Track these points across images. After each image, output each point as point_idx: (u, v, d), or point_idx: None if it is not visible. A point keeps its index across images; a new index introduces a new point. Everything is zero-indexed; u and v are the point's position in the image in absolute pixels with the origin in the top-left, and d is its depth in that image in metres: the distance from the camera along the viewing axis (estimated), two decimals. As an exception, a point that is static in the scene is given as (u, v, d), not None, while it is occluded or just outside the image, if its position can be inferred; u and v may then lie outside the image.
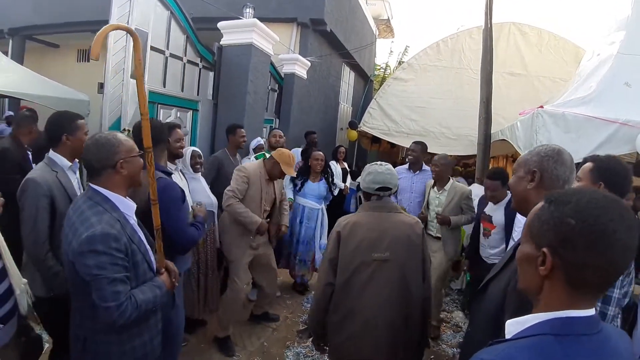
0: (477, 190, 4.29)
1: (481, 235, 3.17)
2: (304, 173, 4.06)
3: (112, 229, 1.37)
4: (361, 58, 10.21)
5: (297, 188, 4.05)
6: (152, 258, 1.61)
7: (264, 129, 5.60)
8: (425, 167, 4.02)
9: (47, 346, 2.13)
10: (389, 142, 8.29)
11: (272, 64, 5.58)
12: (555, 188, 1.23)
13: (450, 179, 3.56)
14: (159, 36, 3.92)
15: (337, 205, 5.88)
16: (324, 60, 7.73)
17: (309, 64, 6.60)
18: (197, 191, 2.93)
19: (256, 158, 4.22)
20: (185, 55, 4.34)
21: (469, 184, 5.94)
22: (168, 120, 3.89)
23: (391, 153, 9.88)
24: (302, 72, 6.53)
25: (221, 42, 4.78)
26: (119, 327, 1.41)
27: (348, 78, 10.48)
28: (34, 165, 3.20)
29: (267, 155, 4.22)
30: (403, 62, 10.81)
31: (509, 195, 2.93)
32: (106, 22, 3.38)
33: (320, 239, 4.12)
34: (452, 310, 4.12)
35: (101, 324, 1.41)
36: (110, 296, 1.33)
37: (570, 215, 0.74)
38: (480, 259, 3.18)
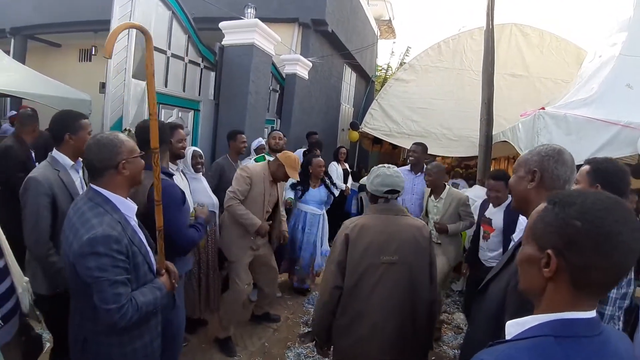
0: (478, 192, 4.30)
1: (481, 238, 3.18)
2: (304, 180, 4.00)
3: (113, 231, 1.37)
4: (363, 59, 10.21)
5: (299, 196, 4.05)
6: (153, 259, 1.61)
7: (265, 130, 5.59)
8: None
9: (47, 345, 2.14)
10: (390, 143, 8.28)
11: (273, 64, 5.58)
12: (556, 188, 1.22)
13: (446, 186, 3.59)
14: (161, 36, 3.93)
15: (338, 206, 5.88)
16: (325, 61, 7.74)
17: (311, 64, 6.60)
18: (198, 191, 2.94)
19: (256, 160, 4.22)
20: (187, 56, 4.35)
21: (470, 186, 5.95)
22: (170, 121, 3.90)
23: (392, 154, 9.88)
24: (303, 72, 6.53)
25: (223, 43, 4.79)
26: (120, 329, 1.40)
27: (349, 79, 10.48)
28: (37, 164, 3.22)
29: (267, 157, 4.25)
30: (404, 63, 10.80)
31: (509, 198, 2.93)
32: (108, 22, 3.40)
33: (322, 245, 4.12)
34: (453, 311, 4.12)
35: (102, 326, 1.41)
36: (111, 298, 1.33)
37: (576, 217, 0.73)
38: (479, 261, 3.19)
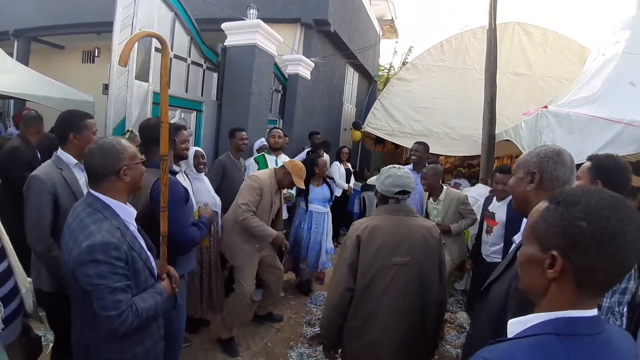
0: (481, 191, 4.30)
1: (484, 232, 3.20)
2: (306, 181, 3.98)
3: (112, 238, 1.36)
4: (365, 59, 10.20)
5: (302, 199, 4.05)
6: (154, 264, 1.59)
7: (268, 130, 5.60)
8: None
9: (48, 345, 2.15)
10: (392, 143, 8.28)
11: (276, 64, 5.59)
12: (555, 189, 1.21)
13: (444, 187, 3.60)
14: (163, 37, 3.93)
15: (340, 206, 5.89)
16: (327, 61, 7.73)
17: (313, 64, 6.60)
18: (200, 191, 2.94)
19: (255, 160, 4.23)
20: (190, 56, 4.36)
21: (473, 185, 5.94)
22: (172, 121, 3.91)
23: (395, 154, 9.88)
24: (305, 72, 6.54)
25: (225, 43, 4.79)
26: (120, 335, 1.40)
27: (352, 79, 10.48)
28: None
29: (267, 156, 4.25)
30: (407, 62, 10.79)
31: None
32: (111, 23, 3.41)
33: (326, 243, 4.12)
34: (456, 310, 4.11)
35: (102, 332, 1.40)
36: (111, 305, 1.32)
37: (581, 217, 0.72)
38: (481, 257, 3.23)
